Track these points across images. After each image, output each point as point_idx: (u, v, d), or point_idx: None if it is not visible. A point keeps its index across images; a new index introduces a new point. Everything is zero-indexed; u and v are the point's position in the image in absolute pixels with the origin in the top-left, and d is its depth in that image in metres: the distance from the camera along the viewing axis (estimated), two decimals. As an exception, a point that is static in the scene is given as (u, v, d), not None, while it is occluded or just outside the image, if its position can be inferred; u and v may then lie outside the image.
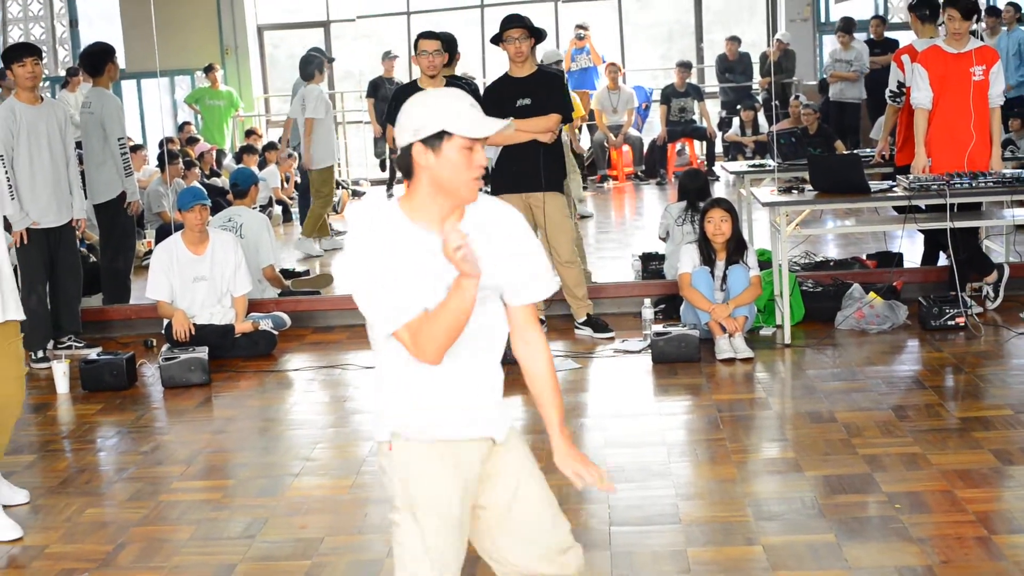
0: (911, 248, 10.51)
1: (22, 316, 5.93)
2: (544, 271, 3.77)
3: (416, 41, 9.14)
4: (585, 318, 9.08)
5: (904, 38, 13.44)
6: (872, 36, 17.33)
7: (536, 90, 8.75)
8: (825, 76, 17.48)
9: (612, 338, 8.93)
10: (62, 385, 8.35)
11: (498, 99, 8.77)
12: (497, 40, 8.81)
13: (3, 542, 5.69)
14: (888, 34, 17.54)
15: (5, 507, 5.90)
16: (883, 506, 5.47)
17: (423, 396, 3.64)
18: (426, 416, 3.65)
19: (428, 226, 3.55)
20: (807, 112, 14.61)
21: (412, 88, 9.05)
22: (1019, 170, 9.08)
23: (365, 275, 3.53)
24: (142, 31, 14.40)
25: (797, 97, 16.60)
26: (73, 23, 21.71)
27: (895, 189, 8.77)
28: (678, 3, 22.34)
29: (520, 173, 8.78)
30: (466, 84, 9.57)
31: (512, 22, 8.73)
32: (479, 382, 3.70)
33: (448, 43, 9.56)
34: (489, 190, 9.32)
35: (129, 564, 5.34)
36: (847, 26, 17.22)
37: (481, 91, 10.84)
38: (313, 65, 13.68)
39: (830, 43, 17.72)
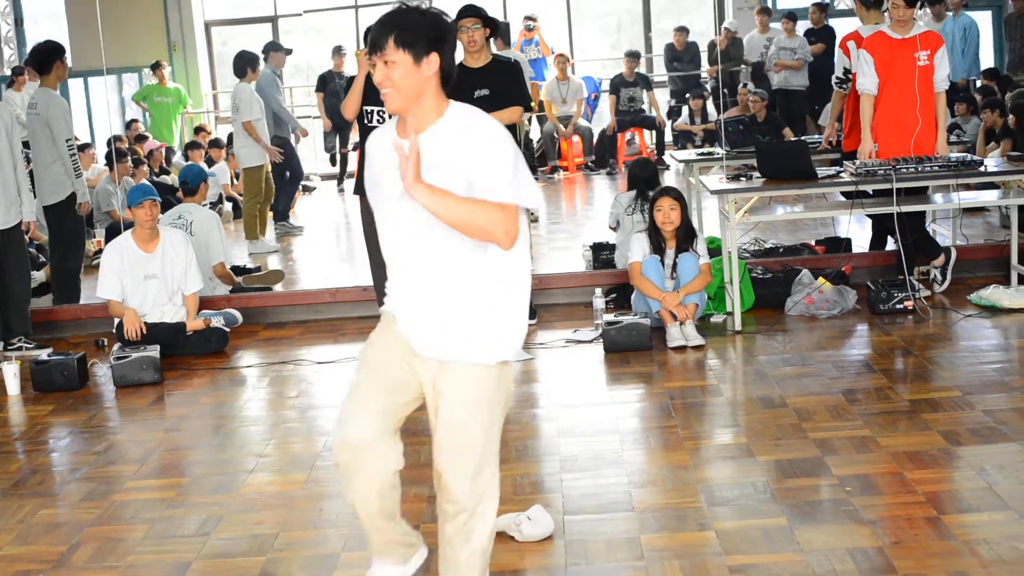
0: (859, 233, 10.58)
1: None
2: (503, 184, 4.05)
3: (366, 35, 9.10)
4: None
5: (847, 25, 13.51)
6: (812, 24, 17.44)
7: (493, 80, 8.72)
8: (765, 62, 17.58)
9: (534, 323, 9.03)
10: (13, 387, 8.29)
11: (454, 90, 8.73)
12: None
13: None
14: (833, 21, 17.66)
15: None
16: (834, 489, 5.52)
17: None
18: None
19: (400, 135, 4.12)
20: (755, 100, 14.66)
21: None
22: (964, 154, 9.17)
23: None
24: (88, 29, 14.30)
25: (745, 85, 16.66)
26: (18, 22, 21.54)
27: (842, 175, 8.84)
28: (626, -7, 22.40)
29: None
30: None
31: (466, 12, 8.70)
32: (423, 301, 4.14)
33: None
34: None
35: (83, 564, 5.32)
36: (790, 14, 17.39)
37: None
38: (245, 62, 13.61)
39: (775, 32, 17.81)
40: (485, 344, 4.14)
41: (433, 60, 4.13)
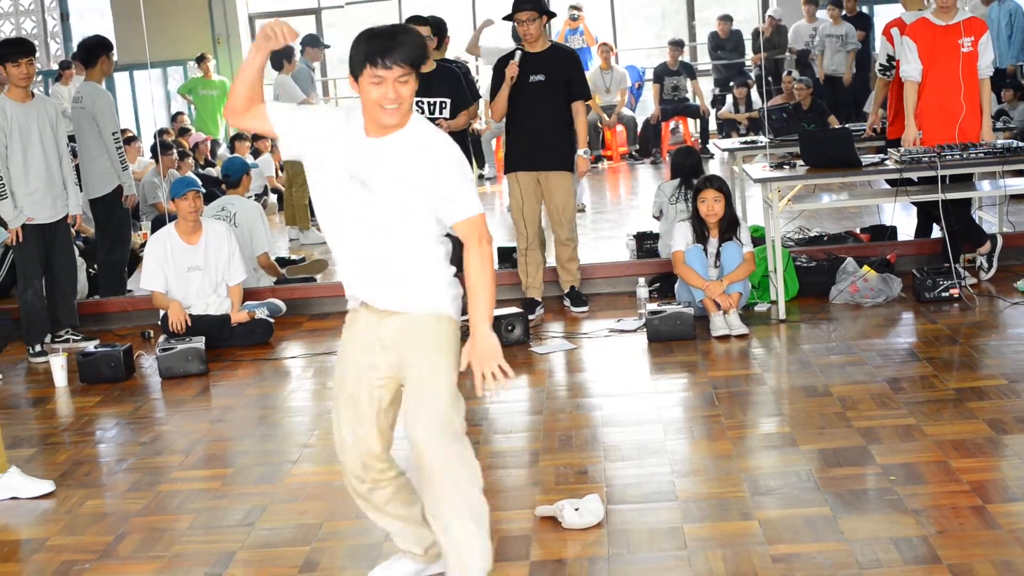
0: (904, 221, 10.52)
1: None
2: (461, 198, 4.33)
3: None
4: (568, 289, 9.18)
5: (891, 11, 13.42)
6: (845, 11, 17.34)
7: (549, 66, 8.81)
8: (811, 51, 17.50)
9: (585, 312, 9.12)
10: (60, 378, 8.36)
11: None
12: (511, 18, 8.93)
13: (34, 497, 6.11)
14: (877, 7, 17.55)
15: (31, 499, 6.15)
16: (878, 478, 5.50)
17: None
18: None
19: (365, 132, 4.34)
20: (800, 87, 14.59)
21: None
22: (1010, 140, 9.09)
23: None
24: (133, 23, 14.36)
25: (790, 73, 16.59)
26: (64, 16, 21.68)
27: (887, 162, 8.78)
28: (670, -19, 22.35)
29: (530, 151, 8.86)
30: (457, 68, 9.54)
31: (521, 5, 8.79)
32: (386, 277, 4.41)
33: (437, 27, 9.56)
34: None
35: (129, 554, 5.37)
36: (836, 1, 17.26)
37: (473, 73, 10.86)
38: (280, 54, 13.69)
39: (821, 21, 17.72)
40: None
41: (415, 80, 4.30)
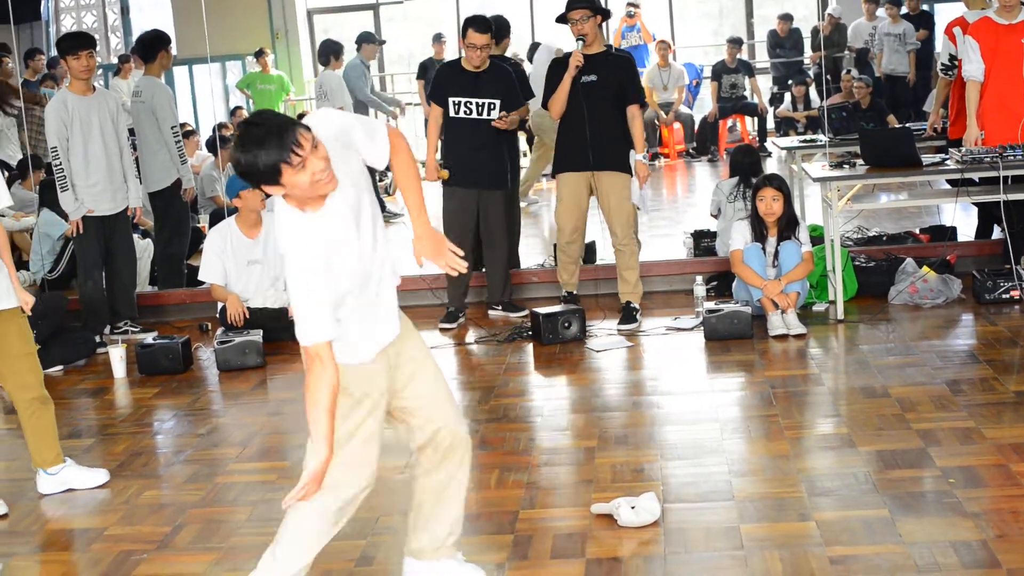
0: (965, 221, 10.43)
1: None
2: (373, 134, 4.31)
3: (465, 28, 8.96)
4: (624, 304, 8.88)
5: (953, 11, 13.31)
6: (907, 10, 17.23)
7: (602, 68, 8.61)
8: (870, 50, 17.41)
9: (631, 329, 8.67)
10: (119, 370, 8.43)
11: (563, 73, 8.64)
12: (563, 19, 8.71)
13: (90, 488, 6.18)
14: (938, 6, 17.43)
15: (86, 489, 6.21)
16: (937, 481, 5.45)
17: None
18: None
19: None
20: (859, 86, 14.51)
21: (455, 67, 9.04)
22: (1074, 141, 9.00)
23: None
24: (192, 17, 14.47)
25: (849, 71, 16.49)
26: (124, 10, 21.85)
27: (947, 162, 8.72)
28: (728, -22, 22.28)
29: (581, 152, 8.67)
30: (511, 66, 9.53)
31: (574, 3, 8.61)
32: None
33: (500, 28, 9.47)
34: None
35: (186, 545, 5.40)
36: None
37: (527, 73, 10.81)
38: (329, 50, 13.76)
39: (880, 20, 17.62)
40: None
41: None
